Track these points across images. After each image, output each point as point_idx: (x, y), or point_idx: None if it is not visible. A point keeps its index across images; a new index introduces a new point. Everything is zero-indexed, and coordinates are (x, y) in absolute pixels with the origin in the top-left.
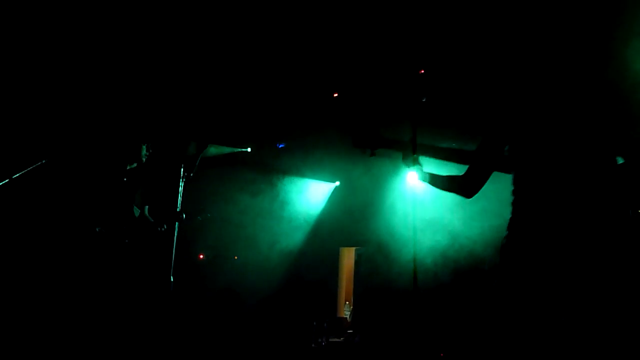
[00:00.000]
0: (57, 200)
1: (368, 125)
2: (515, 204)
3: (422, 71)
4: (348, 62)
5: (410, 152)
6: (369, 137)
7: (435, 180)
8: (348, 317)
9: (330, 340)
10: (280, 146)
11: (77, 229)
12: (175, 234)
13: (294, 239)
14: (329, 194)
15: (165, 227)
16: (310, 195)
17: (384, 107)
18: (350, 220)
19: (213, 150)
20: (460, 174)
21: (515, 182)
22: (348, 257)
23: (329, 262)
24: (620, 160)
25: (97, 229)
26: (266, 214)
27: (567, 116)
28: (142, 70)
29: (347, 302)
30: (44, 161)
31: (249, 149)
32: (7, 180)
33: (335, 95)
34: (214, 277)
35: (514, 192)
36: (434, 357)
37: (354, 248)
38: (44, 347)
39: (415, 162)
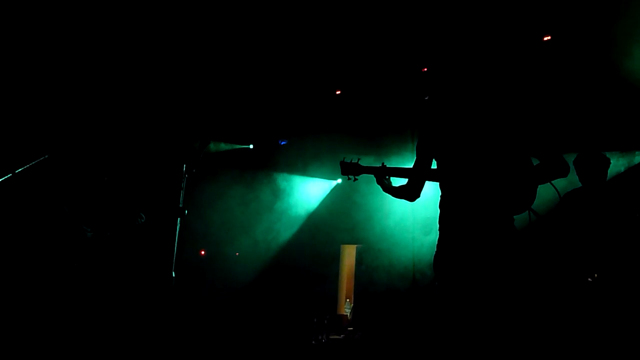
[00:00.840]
0: (40, 199)
1: (351, 159)
2: (440, 208)
3: (425, 69)
4: (350, 59)
5: (381, 175)
6: (352, 167)
7: (392, 191)
8: (348, 314)
9: (331, 337)
10: (282, 143)
11: (61, 226)
12: (177, 230)
13: (295, 236)
14: (331, 191)
15: (143, 218)
16: (312, 192)
17: (386, 104)
18: (352, 218)
19: (215, 146)
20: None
21: (441, 189)
22: (349, 255)
23: (330, 259)
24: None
25: (88, 234)
26: (267, 210)
27: (475, 137)
28: (144, 67)
29: (348, 300)
30: (37, 160)
31: (251, 146)
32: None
33: (338, 92)
34: (215, 273)
35: (441, 196)
36: (434, 354)
37: (355, 245)
38: (41, 344)
39: (385, 181)
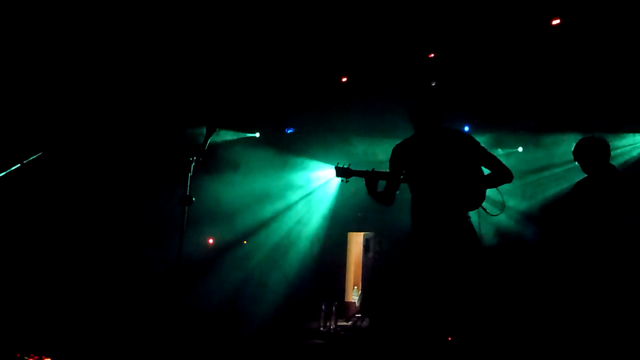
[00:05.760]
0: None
1: (344, 164)
2: (411, 207)
3: (432, 55)
4: (357, 46)
5: (370, 179)
6: (344, 171)
7: (375, 195)
8: (356, 301)
9: (339, 323)
10: (289, 131)
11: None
12: (185, 219)
13: (301, 224)
14: (339, 181)
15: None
16: (318, 180)
17: (392, 91)
18: (359, 206)
19: (222, 135)
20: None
21: (410, 191)
22: (356, 243)
23: (337, 247)
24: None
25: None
26: (274, 198)
27: (437, 150)
28: (149, 57)
29: (356, 287)
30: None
31: (257, 134)
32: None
33: (344, 80)
34: (223, 261)
35: (411, 197)
36: (441, 340)
37: (362, 233)
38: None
39: (372, 184)
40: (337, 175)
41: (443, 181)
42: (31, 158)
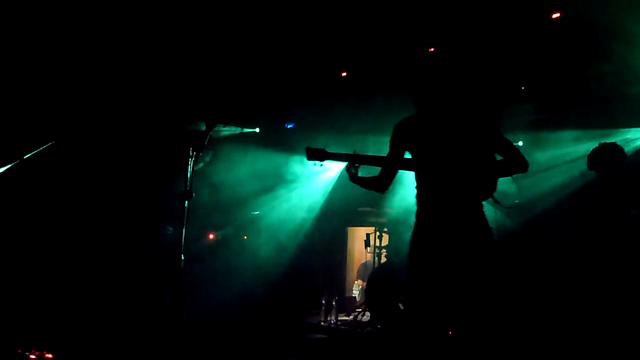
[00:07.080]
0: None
1: (317, 145)
2: (417, 197)
3: (432, 49)
4: (356, 40)
5: (351, 162)
6: (318, 153)
7: (361, 182)
8: (357, 296)
9: (339, 318)
10: (289, 126)
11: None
12: (186, 213)
13: (302, 219)
14: (338, 173)
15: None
16: (319, 174)
17: (393, 85)
18: (359, 200)
19: (222, 130)
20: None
21: (416, 179)
22: (357, 237)
23: (338, 242)
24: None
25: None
26: (274, 193)
27: (449, 133)
28: (149, 52)
29: (356, 282)
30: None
31: (257, 130)
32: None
33: (344, 74)
34: (223, 257)
35: (417, 186)
36: (441, 335)
37: (363, 228)
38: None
39: (353, 170)
40: (309, 159)
41: (456, 167)
42: (32, 153)
